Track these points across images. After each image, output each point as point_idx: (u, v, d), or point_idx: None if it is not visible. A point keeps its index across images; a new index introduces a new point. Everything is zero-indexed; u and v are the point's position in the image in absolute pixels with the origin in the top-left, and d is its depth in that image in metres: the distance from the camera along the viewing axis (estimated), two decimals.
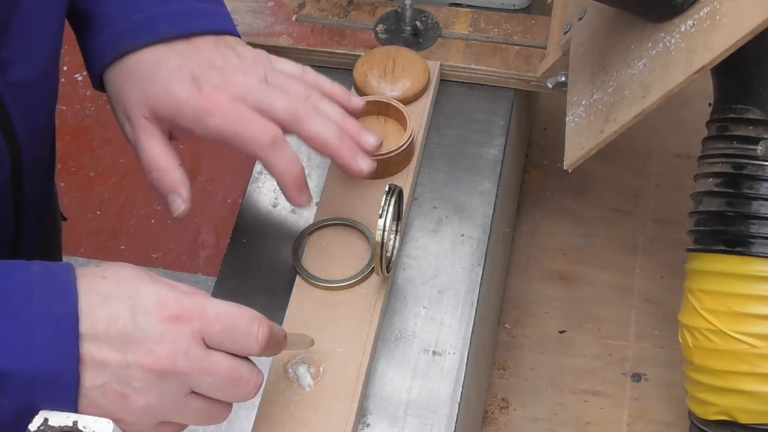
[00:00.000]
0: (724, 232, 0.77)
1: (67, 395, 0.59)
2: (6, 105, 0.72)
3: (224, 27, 0.80)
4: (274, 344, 0.66)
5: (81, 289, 0.60)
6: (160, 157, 0.77)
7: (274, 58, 0.81)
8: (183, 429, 0.65)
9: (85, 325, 0.59)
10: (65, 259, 1.01)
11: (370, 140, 0.81)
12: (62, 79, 2.31)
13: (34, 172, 0.79)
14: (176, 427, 0.64)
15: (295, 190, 0.77)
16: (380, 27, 1.00)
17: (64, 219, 1.06)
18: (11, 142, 0.74)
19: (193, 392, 0.62)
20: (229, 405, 0.65)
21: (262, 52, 0.80)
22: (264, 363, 0.75)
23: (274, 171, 0.76)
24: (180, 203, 0.76)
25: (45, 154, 0.83)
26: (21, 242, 0.83)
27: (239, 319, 0.63)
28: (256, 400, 0.75)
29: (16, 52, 0.71)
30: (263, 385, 0.75)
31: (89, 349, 0.59)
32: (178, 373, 0.61)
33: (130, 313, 0.60)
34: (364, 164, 0.79)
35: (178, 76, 0.75)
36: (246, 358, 0.65)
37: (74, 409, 0.59)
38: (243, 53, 0.78)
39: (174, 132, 0.78)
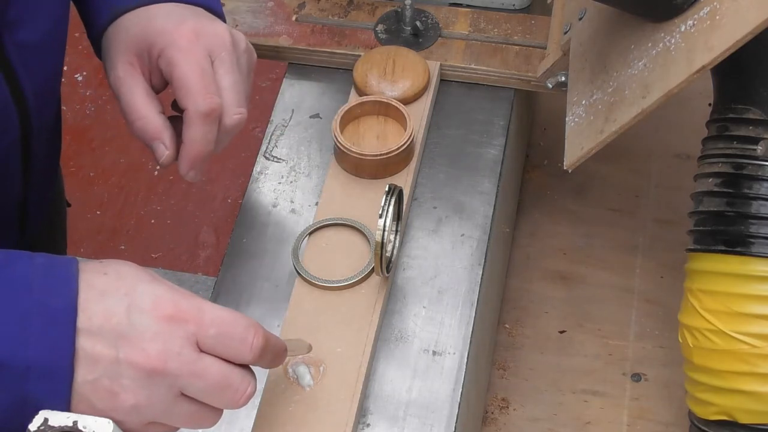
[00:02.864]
0: (724, 232, 0.77)
1: (61, 389, 0.59)
2: (14, 66, 0.72)
3: (215, 7, 0.81)
4: (270, 354, 0.65)
5: (81, 284, 0.60)
6: (141, 105, 0.75)
7: (250, 52, 0.80)
8: (174, 431, 0.64)
9: (81, 320, 0.59)
10: None
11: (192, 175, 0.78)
12: (62, 79, 2.32)
13: (42, 137, 0.80)
14: (166, 428, 0.64)
15: (189, 163, 0.75)
16: (380, 27, 1.00)
17: (69, 205, 1.06)
18: (21, 104, 0.74)
19: (182, 395, 0.62)
20: (219, 410, 0.65)
21: (247, 44, 0.80)
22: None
23: (187, 137, 0.74)
24: (163, 149, 0.75)
25: (51, 120, 0.83)
26: (28, 211, 0.83)
27: (235, 326, 0.63)
28: (256, 400, 0.75)
29: (24, 13, 0.72)
30: (261, 389, 0.75)
31: (83, 344, 0.59)
32: (168, 374, 0.60)
33: (126, 311, 0.60)
34: (194, 176, 0.77)
35: (166, 14, 0.76)
36: (242, 366, 0.64)
37: (67, 403, 0.59)
38: (234, 30, 0.79)
39: (152, 80, 0.78)
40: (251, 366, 0.65)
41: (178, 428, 0.65)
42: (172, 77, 0.74)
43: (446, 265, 0.85)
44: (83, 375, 0.60)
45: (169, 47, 0.74)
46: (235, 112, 0.75)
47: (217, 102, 0.74)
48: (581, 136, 0.82)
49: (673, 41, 0.74)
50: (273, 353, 0.66)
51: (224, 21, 0.82)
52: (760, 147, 0.76)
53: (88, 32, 0.82)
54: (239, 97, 0.76)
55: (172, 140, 0.76)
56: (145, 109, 0.75)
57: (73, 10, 0.83)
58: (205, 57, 0.75)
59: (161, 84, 0.78)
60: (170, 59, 0.74)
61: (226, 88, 0.75)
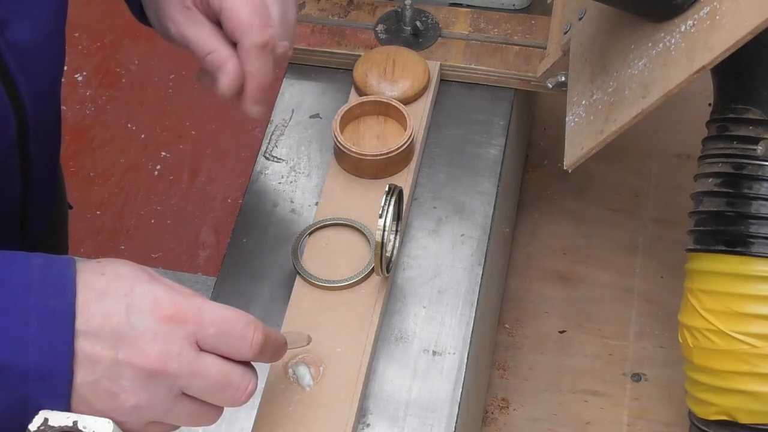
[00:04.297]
0: (724, 232, 0.77)
1: (61, 391, 0.59)
2: (8, 65, 0.72)
3: None
4: (270, 350, 0.65)
5: (79, 285, 0.60)
6: (209, 39, 0.74)
7: None
8: (174, 429, 0.64)
9: (79, 321, 0.59)
10: None
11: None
12: (62, 79, 2.32)
13: (40, 136, 0.79)
14: (166, 428, 0.64)
15: (252, 98, 0.74)
16: (380, 27, 1.00)
17: (71, 207, 1.06)
18: (16, 103, 0.74)
19: (183, 394, 0.62)
20: (220, 408, 0.65)
21: None
22: (264, 364, 0.75)
23: (246, 69, 0.73)
24: (223, 77, 0.73)
25: (50, 118, 0.82)
26: (28, 211, 0.83)
27: (234, 323, 0.63)
28: (256, 400, 0.75)
29: (15, 12, 0.71)
30: (261, 389, 0.75)
31: (82, 345, 0.59)
32: (168, 374, 0.60)
33: (125, 311, 0.60)
34: (259, 111, 0.76)
35: None
36: (243, 364, 0.64)
37: (68, 404, 0.59)
38: None
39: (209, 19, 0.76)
40: (252, 362, 0.65)
41: (179, 427, 0.65)
42: (222, 9, 0.73)
43: (446, 265, 0.85)
44: (83, 376, 0.59)
45: None
46: (279, 46, 0.74)
47: (272, 33, 0.73)
48: (581, 136, 0.82)
49: (673, 41, 0.74)
50: (273, 348, 0.66)
51: None
52: (760, 147, 0.76)
53: None
54: (285, 29, 0.75)
55: (235, 69, 0.74)
56: (213, 43, 0.74)
57: (73, 11, 0.83)
58: None
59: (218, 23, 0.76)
60: None
61: (274, 20, 0.74)
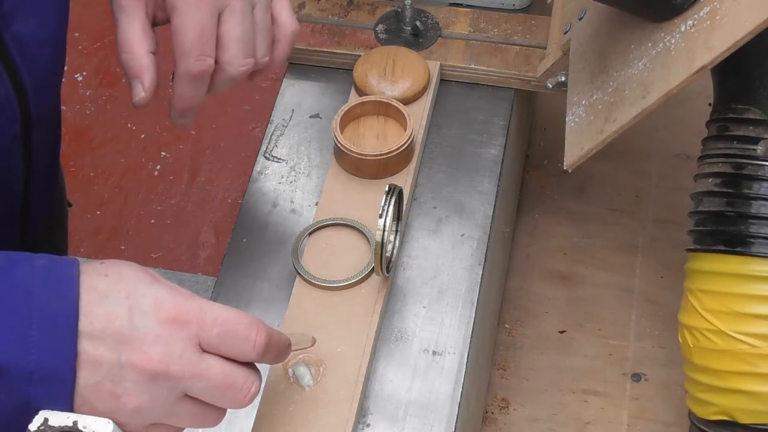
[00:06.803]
0: (724, 232, 0.77)
1: (63, 392, 0.59)
2: (13, 58, 0.72)
3: None
4: (274, 351, 0.65)
5: (82, 287, 0.60)
6: (135, 39, 0.74)
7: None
8: None
9: (83, 323, 0.59)
10: None
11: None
12: (62, 80, 2.31)
13: (41, 131, 0.79)
14: (168, 429, 0.64)
15: (178, 113, 0.76)
16: (380, 27, 1.00)
17: (70, 205, 1.06)
18: (21, 96, 0.74)
19: (185, 396, 0.62)
20: (223, 410, 0.65)
21: None
22: (264, 364, 0.75)
23: (175, 91, 0.75)
24: (140, 90, 0.74)
25: (51, 113, 0.83)
26: (30, 210, 0.83)
27: (237, 324, 0.63)
28: (256, 400, 0.75)
29: (20, 6, 0.71)
30: (261, 389, 0.75)
31: (85, 347, 0.59)
32: (170, 376, 0.60)
33: (128, 313, 0.60)
34: (184, 124, 0.78)
35: None
36: (246, 365, 0.64)
37: (70, 406, 0.59)
38: None
39: (157, 14, 0.77)
40: (256, 363, 0.65)
41: (181, 429, 0.65)
42: (172, 23, 0.73)
43: (446, 265, 0.85)
44: (85, 378, 0.59)
45: None
46: (241, 64, 0.75)
47: (209, 65, 0.74)
48: (581, 136, 0.82)
49: (673, 41, 0.74)
50: (276, 349, 0.66)
51: None
52: (760, 147, 0.76)
53: None
54: (246, 48, 0.75)
55: (152, 83, 0.75)
56: (136, 45, 0.74)
57: (73, 11, 0.83)
58: (209, 12, 0.73)
59: (166, 19, 0.76)
60: (174, 6, 0.73)
61: (233, 39, 0.74)
